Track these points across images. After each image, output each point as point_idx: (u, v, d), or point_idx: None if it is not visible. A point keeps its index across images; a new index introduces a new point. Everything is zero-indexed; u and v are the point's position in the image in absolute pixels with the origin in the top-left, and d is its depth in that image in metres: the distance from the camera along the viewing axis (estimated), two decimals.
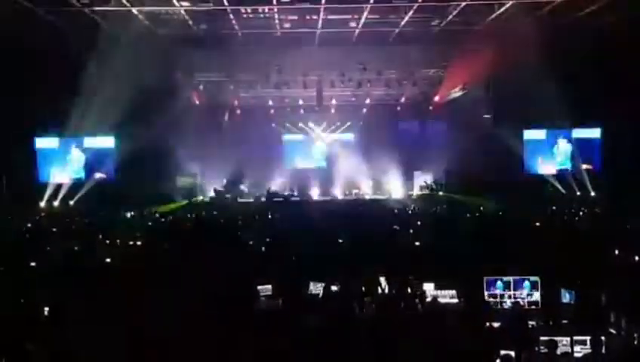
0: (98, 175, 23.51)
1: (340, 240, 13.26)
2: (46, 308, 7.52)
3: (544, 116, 21.87)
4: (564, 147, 24.88)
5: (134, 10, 16.72)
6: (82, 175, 23.81)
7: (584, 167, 23.77)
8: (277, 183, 27.74)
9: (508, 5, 16.80)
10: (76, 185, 23.19)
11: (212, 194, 26.71)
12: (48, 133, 23.26)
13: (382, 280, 8.89)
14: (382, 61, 21.90)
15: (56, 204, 22.42)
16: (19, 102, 18.88)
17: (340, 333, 6.50)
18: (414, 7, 16.99)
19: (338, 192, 27.23)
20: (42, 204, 22.20)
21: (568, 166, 24.53)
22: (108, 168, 23.58)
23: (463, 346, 6.20)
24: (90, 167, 23.76)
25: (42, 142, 23.75)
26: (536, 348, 6.48)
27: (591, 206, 19.66)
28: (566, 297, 8.08)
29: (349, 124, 28.77)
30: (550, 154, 24.77)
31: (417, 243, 12.75)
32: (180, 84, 22.75)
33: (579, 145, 24.38)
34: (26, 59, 18.02)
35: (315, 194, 27.06)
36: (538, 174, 24.31)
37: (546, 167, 24.41)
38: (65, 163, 23.87)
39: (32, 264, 10.45)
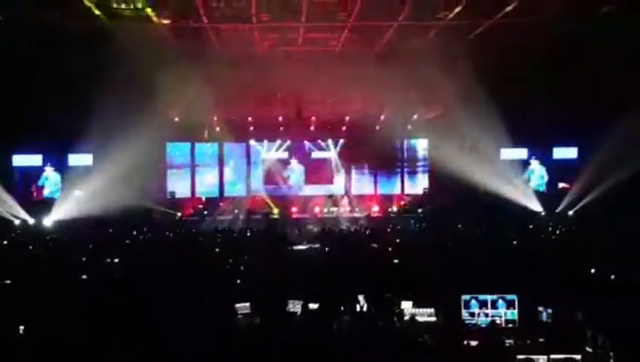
0: (77, 192, 23.11)
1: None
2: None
3: (525, 135, 22.09)
4: (537, 168, 25.16)
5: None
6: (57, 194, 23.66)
7: (561, 185, 24.03)
8: (256, 201, 27.65)
9: (490, 22, 16.88)
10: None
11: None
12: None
13: (360, 298, 8.85)
14: (362, 79, 21.93)
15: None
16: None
17: (318, 351, 6.44)
18: (394, 27, 17.13)
19: (317, 211, 27.18)
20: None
21: (543, 188, 24.78)
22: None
23: None
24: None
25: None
26: None
27: (568, 224, 19.84)
28: (543, 315, 8.11)
29: (330, 141, 28.74)
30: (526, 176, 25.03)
31: (396, 261, 12.74)
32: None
33: (555, 165, 24.67)
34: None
35: (293, 212, 27.00)
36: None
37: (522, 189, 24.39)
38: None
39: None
